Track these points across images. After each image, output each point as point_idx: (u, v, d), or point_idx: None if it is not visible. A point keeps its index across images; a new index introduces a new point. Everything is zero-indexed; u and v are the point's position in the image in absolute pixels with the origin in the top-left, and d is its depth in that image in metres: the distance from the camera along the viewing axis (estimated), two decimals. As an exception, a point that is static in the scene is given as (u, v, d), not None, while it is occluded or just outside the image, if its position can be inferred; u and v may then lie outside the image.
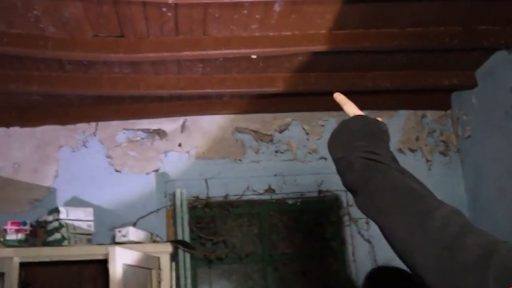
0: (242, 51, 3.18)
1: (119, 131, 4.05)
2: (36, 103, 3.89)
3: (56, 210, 3.34)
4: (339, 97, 1.33)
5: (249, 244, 4.07)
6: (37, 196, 3.84)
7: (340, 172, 1.14)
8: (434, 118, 4.30)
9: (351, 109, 1.28)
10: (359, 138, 1.15)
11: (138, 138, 4.06)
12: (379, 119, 1.25)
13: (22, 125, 4.00)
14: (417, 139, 4.24)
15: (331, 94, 4.21)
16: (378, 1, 2.90)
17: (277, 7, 2.88)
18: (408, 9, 3.00)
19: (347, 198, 3.99)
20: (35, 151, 3.97)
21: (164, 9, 2.81)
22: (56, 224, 3.29)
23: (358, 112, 1.26)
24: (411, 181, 1.07)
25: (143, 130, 4.07)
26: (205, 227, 4.01)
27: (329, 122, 4.17)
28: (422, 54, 3.53)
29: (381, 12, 3.02)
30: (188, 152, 4.04)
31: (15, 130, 4.00)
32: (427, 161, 4.19)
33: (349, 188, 1.12)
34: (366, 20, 3.09)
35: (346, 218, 4.01)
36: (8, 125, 3.99)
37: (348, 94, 4.02)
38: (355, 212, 3.88)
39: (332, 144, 1.20)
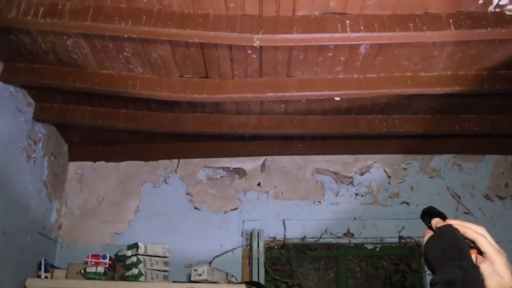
0: (326, 93, 3.13)
1: (200, 168, 4.10)
2: (122, 139, 4.02)
3: (135, 246, 3.39)
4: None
5: (325, 289, 3.96)
6: (118, 230, 3.94)
7: None
8: (526, 164, 4.07)
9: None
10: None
11: (218, 176, 4.08)
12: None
13: (107, 160, 4.15)
14: (507, 185, 4.02)
15: (415, 137, 4.02)
16: (467, 44, 2.78)
17: (362, 50, 2.84)
18: (499, 51, 2.86)
19: (429, 245, 3.80)
20: (118, 186, 4.08)
21: (249, 52, 2.83)
22: (134, 259, 3.34)
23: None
24: None
25: (224, 169, 4.09)
26: (280, 269, 3.95)
27: (412, 166, 4.05)
28: (513, 98, 3.36)
29: (470, 54, 2.89)
30: (267, 192, 4.02)
31: (101, 164, 4.15)
32: (517, 209, 3.95)
33: None
34: (454, 63, 2.98)
35: (428, 266, 3.81)
36: (94, 159, 4.16)
37: (433, 137, 3.84)
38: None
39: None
